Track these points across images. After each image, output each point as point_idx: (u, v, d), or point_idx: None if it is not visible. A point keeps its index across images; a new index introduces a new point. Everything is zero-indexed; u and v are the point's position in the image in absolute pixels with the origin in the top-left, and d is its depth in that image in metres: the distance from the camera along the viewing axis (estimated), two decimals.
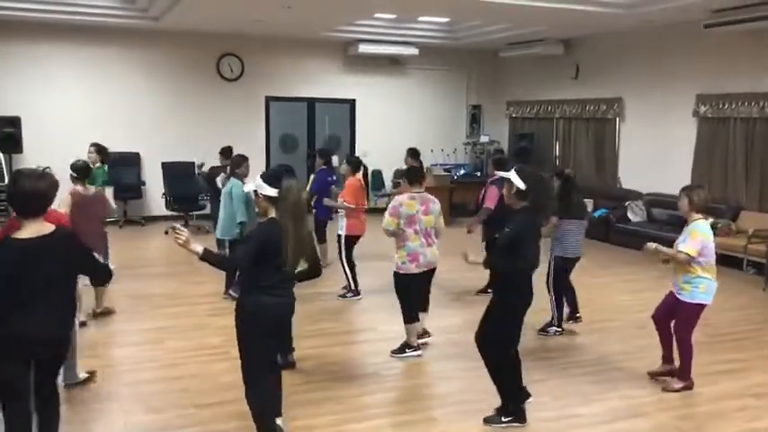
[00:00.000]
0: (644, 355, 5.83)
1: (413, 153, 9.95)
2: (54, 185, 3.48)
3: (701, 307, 5.09)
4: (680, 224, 5.51)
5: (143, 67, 12.39)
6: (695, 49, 10.27)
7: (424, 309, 6.07)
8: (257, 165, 10.06)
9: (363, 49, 13.03)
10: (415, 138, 12.99)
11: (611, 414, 4.73)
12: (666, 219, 10.14)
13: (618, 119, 11.89)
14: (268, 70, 13.21)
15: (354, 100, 14.05)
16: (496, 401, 4.56)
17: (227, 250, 7.05)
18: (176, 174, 12.03)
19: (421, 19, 12.10)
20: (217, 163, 9.96)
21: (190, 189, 11.82)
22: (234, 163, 7.70)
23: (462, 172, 14.17)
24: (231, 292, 7.11)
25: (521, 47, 13.09)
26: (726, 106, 9.86)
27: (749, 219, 9.39)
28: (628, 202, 11.08)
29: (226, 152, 9.75)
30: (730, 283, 7.85)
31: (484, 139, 14.52)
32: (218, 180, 8.89)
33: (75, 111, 11.92)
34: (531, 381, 4.73)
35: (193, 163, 12.25)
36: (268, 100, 13.39)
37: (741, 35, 9.41)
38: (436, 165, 13.71)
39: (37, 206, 3.38)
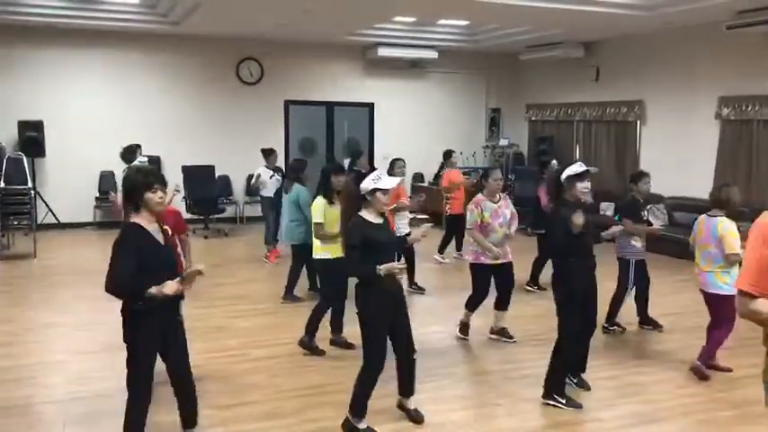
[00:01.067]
0: (667, 359, 5.80)
1: (444, 155, 10.37)
2: (128, 179, 3.57)
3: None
4: None
5: (163, 72, 12.52)
6: (717, 50, 10.16)
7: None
8: None
9: (383, 52, 13.04)
10: (435, 141, 12.99)
11: (631, 418, 4.68)
12: (688, 222, 10.00)
13: (639, 122, 11.80)
14: (287, 74, 13.28)
15: (373, 103, 14.08)
16: (516, 406, 4.54)
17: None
18: (197, 177, 12.11)
19: (440, 22, 12.10)
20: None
21: (210, 192, 11.93)
22: (297, 168, 7.56)
23: None
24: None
25: (540, 49, 13.04)
26: (749, 108, 9.75)
27: None
28: (649, 206, 10.95)
29: (268, 153, 10.14)
30: None
31: (503, 142, 14.48)
32: (267, 182, 9.04)
33: (97, 115, 12.06)
34: None
35: (213, 166, 12.35)
36: (287, 103, 13.46)
37: (764, 36, 9.30)
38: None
39: (127, 197, 3.61)
